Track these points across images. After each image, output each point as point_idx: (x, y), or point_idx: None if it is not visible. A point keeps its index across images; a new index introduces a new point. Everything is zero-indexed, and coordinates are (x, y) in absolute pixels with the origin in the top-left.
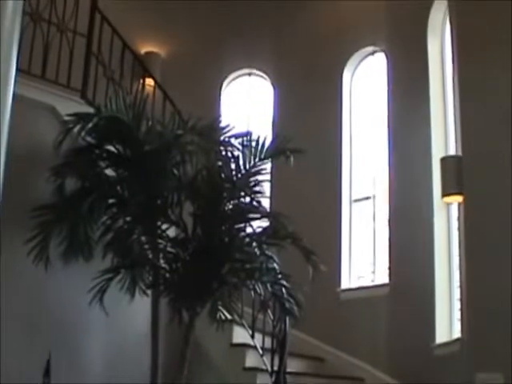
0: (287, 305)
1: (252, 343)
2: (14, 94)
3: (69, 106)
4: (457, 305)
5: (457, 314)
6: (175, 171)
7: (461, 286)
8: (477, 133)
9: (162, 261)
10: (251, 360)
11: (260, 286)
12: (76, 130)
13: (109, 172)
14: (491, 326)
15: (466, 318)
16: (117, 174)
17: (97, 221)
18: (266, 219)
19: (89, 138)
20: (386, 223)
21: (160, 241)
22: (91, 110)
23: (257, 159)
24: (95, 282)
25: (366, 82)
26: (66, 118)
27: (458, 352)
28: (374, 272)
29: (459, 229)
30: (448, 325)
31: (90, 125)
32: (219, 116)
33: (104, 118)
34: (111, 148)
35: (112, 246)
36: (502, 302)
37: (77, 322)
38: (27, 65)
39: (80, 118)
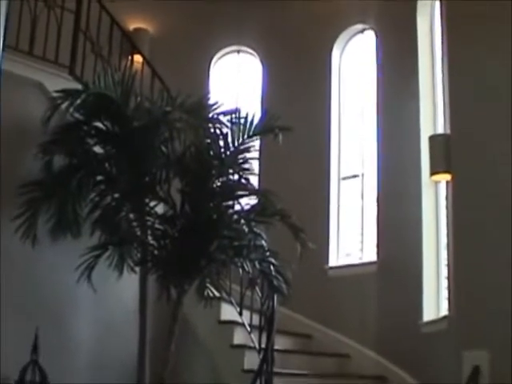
0: (275, 282)
1: (240, 320)
2: (1, 71)
3: (57, 82)
4: (444, 283)
5: (444, 293)
6: (163, 148)
7: (448, 265)
8: (465, 111)
9: (150, 238)
10: (239, 337)
11: (248, 263)
12: (64, 106)
13: (97, 149)
14: (478, 304)
15: (453, 296)
16: (105, 151)
17: (85, 198)
18: (254, 196)
19: (77, 115)
20: (374, 201)
21: (148, 218)
22: (79, 87)
23: (245, 136)
24: (83, 258)
25: (355, 59)
26: (54, 95)
27: (444, 330)
28: (361, 250)
29: (447, 207)
30: (435, 303)
31: (78, 101)
32: (208, 93)
33: (92, 94)
34: (99, 125)
35: (100, 223)
36: (489, 281)
37: (65, 298)
38: (15, 41)
39: (68, 94)
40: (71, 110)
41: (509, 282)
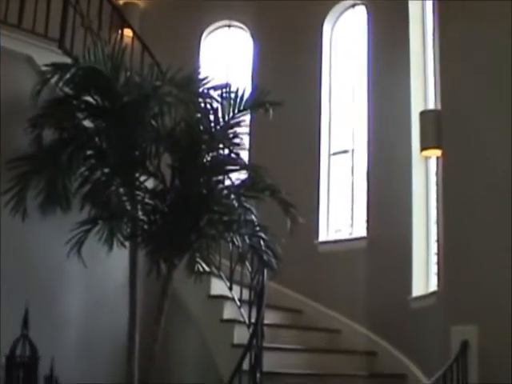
0: (265, 257)
1: (230, 295)
2: None
3: (46, 56)
4: (434, 259)
5: (433, 268)
6: (154, 123)
7: (438, 240)
8: (456, 87)
9: (140, 212)
10: (229, 312)
11: (238, 238)
12: (54, 80)
13: (87, 123)
14: (467, 279)
15: (442, 272)
16: (95, 125)
17: (75, 172)
18: (244, 171)
19: (67, 89)
20: (365, 177)
21: (138, 192)
22: (69, 61)
23: (236, 111)
24: (73, 233)
25: (346, 34)
26: (44, 69)
27: (434, 305)
28: (351, 225)
29: (437, 183)
30: (425, 278)
31: (68, 75)
32: (198, 68)
33: (82, 68)
34: (89, 99)
35: (90, 198)
36: (478, 257)
37: (55, 273)
38: (3, 14)
39: (58, 68)
40: (61, 84)
41: (498, 258)
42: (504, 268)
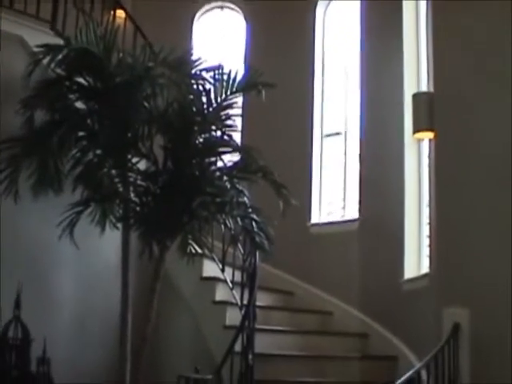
0: (257, 239)
1: (222, 277)
2: None
3: (38, 37)
4: (426, 241)
5: (425, 251)
6: (146, 104)
7: (430, 223)
8: (449, 69)
9: (132, 194)
10: (221, 293)
11: (230, 220)
12: (45, 61)
13: (79, 104)
14: (459, 262)
15: (434, 254)
16: (87, 107)
17: (67, 154)
18: (237, 153)
19: (58, 70)
20: (357, 159)
21: (130, 174)
22: (61, 42)
23: (228, 93)
24: (65, 215)
25: (338, 17)
26: (35, 50)
27: (425, 287)
28: (344, 207)
29: (429, 165)
30: (417, 260)
31: (60, 56)
32: (191, 49)
33: (74, 49)
34: (81, 80)
35: (82, 180)
36: (470, 239)
37: (47, 255)
38: None
39: (49, 49)
40: (53, 65)
41: (489, 240)
42: (496, 251)
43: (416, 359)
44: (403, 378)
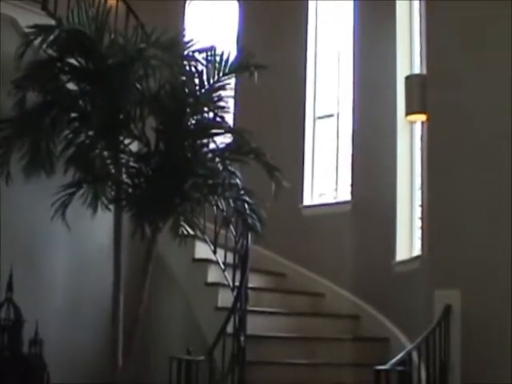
0: (249, 220)
1: (214, 258)
2: None
3: (29, 17)
4: (417, 223)
5: (417, 233)
6: (138, 85)
7: (422, 205)
8: (442, 52)
9: (124, 176)
10: (213, 275)
11: (222, 201)
12: (37, 42)
13: (71, 86)
14: (450, 244)
15: (426, 237)
16: (79, 88)
17: (58, 135)
18: (229, 135)
19: (50, 51)
20: (349, 141)
21: (122, 155)
22: (52, 23)
23: (221, 74)
24: (57, 196)
25: None
26: (27, 30)
27: (417, 269)
28: (336, 189)
29: (422, 148)
30: (408, 243)
31: (52, 37)
32: (183, 30)
33: (66, 30)
34: (73, 61)
35: (74, 161)
36: (462, 221)
37: (39, 236)
38: None
39: (41, 30)
40: (44, 46)
41: (481, 223)
42: (487, 233)
43: (407, 341)
44: (395, 360)
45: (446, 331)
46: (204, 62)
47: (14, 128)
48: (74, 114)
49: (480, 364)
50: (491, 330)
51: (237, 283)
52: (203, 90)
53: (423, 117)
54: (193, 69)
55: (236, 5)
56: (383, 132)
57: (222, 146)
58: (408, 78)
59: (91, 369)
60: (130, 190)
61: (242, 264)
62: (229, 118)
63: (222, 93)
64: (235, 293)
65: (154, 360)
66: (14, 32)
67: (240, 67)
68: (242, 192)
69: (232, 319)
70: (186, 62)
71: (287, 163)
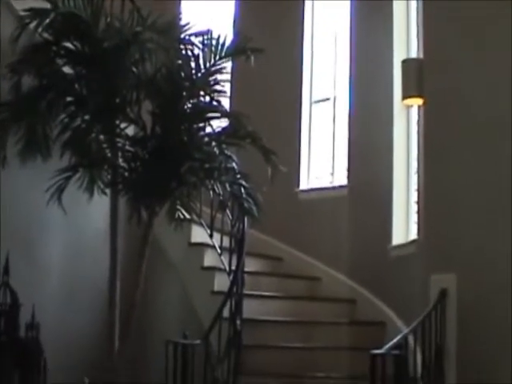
0: (246, 204)
1: (210, 242)
2: None
3: (25, 1)
4: (414, 207)
5: (414, 217)
6: (134, 69)
7: (418, 189)
8: (439, 36)
9: (120, 160)
10: (209, 259)
11: (219, 185)
12: (32, 25)
13: (67, 69)
14: (446, 228)
15: (422, 221)
16: (75, 72)
17: (54, 119)
18: (225, 119)
19: (46, 35)
20: (346, 125)
21: (118, 139)
22: (48, 6)
23: (217, 58)
24: (53, 180)
25: None
26: (22, 14)
27: (413, 253)
28: (332, 173)
29: (418, 132)
30: (405, 227)
31: (47, 21)
32: (179, 14)
33: (61, 13)
34: (69, 45)
35: (70, 145)
36: (458, 206)
37: (35, 220)
38: None
39: (36, 13)
40: (40, 29)
41: (477, 207)
42: (483, 217)
43: (403, 325)
44: (391, 344)
45: (441, 315)
46: (200, 46)
47: (10, 112)
48: (69, 98)
49: (475, 347)
50: (487, 314)
51: (233, 267)
52: (199, 74)
53: (420, 101)
54: (189, 52)
55: None
56: (380, 116)
57: (218, 129)
58: (405, 62)
59: (88, 353)
60: (127, 174)
61: (238, 248)
62: (225, 102)
63: (219, 76)
64: (231, 277)
65: (151, 344)
66: (9, 15)
67: (236, 51)
68: (239, 176)
69: (228, 303)
70: (182, 46)
71: (283, 147)
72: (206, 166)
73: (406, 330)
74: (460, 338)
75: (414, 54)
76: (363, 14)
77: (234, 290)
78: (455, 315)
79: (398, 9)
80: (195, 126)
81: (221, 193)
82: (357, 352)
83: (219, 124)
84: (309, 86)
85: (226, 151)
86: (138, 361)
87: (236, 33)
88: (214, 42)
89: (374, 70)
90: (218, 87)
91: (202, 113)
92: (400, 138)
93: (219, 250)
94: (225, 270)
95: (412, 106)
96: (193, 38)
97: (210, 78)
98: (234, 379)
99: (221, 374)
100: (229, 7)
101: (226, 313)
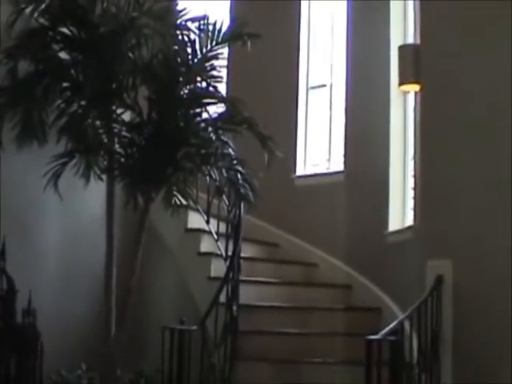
0: (242, 190)
1: (207, 228)
2: None
3: None
4: (410, 193)
5: (410, 203)
6: (130, 55)
7: (415, 175)
8: (435, 22)
9: (117, 145)
10: (206, 245)
11: (215, 171)
12: (28, 10)
13: (63, 55)
14: (442, 214)
15: (418, 207)
16: (71, 57)
17: (51, 105)
18: (222, 104)
19: (42, 20)
20: (342, 111)
21: (115, 125)
22: None
23: (213, 43)
24: (50, 166)
25: None
26: None
27: (409, 239)
28: (329, 159)
29: (415, 118)
30: (401, 213)
31: (43, 6)
32: None
33: None
34: (65, 30)
35: (66, 131)
36: (454, 192)
37: (31, 206)
38: None
39: None
40: (36, 14)
41: (474, 193)
42: (479, 203)
43: (399, 311)
44: (387, 329)
45: (437, 301)
46: (197, 31)
47: (6, 97)
48: (66, 84)
49: (471, 333)
50: (482, 300)
51: (229, 253)
52: (196, 60)
53: (416, 87)
54: (185, 38)
55: None
56: (376, 102)
57: (214, 115)
58: (401, 48)
59: (84, 338)
60: (123, 160)
61: (234, 234)
62: (222, 88)
63: (215, 62)
64: (228, 263)
65: (147, 330)
66: (4, 0)
67: (233, 36)
68: (235, 162)
69: (225, 289)
70: (178, 31)
71: (280, 133)
72: (203, 151)
73: (401, 316)
74: (456, 324)
75: (410, 40)
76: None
77: (231, 275)
78: (451, 301)
79: None
80: (191, 111)
81: (217, 179)
82: (353, 338)
83: (216, 110)
84: (305, 72)
85: (222, 137)
86: (134, 346)
87: (232, 18)
88: (210, 28)
89: (370, 55)
90: (214, 73)
91: (199, 98)
92: (396, 123)
93: (216, 236)
94: (221, 255)
95: (409, 91)
96: (189, 24)
97: (207, 64)
98: (230, 365)
99: (217, 359)
100: None
101: (222, 298)
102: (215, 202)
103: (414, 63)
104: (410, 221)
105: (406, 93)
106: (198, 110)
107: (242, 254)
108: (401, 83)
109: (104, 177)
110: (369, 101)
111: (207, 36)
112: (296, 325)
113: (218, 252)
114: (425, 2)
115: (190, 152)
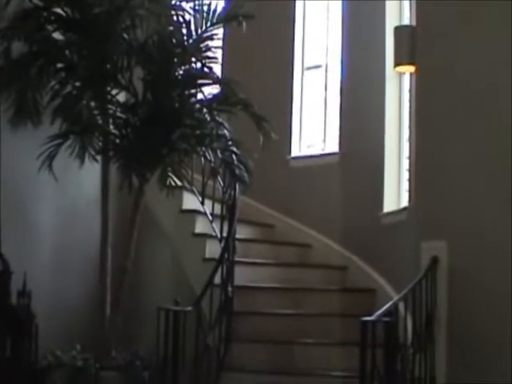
0: (237, 171)
1: (202, 209)
2: None
3: None
4: (405, 175)
5: (405, 184)
6: (125, 35)
7: (410, 157)
8: (431, 3)
9: (111, 126)
10: (201, 226)
11: (210, 152)
12: None
13: (57, 36)
14: (437, 195)
15: (413, 188)
16: (65, 38)
17: (45, 86)
18: (217, 85)
19: (36, 0)
20: (338, 92)
21: (110, 106)
22: None
23: (208, 24)
24: (44, 147)
25: None
26: None
27: (404, 220)
28: (324, 141)
29: (410, 99)
30: (396, 194)
31: None
32: None
33: None
34: (59, 11)
35: (61, 112)
36: (449, 173)
37: (26, 187)
38: None
39: None
40: None
41: (468, 174)
42: (474, 184)
43: (394, 292)
44: (381, 311)
45: (432, 283)
46: (192, 12)
47: (0, 78)
48: (60, 65)
49: (465, 314)
50: (477, 282)
51: (224, 234)
52: (191, 40)
53: (412, 68)
54: (180, 19)
55: None
56: (371, 83)
57: (209, 96)
58: (397, 29)
59: (79, 320)
60: (118, 141)
61: (229, 215)
62: (217, 69)
63: (210, 43)
64: (223, 244)
65: (142, 310)
66: None
67: (228, 17)
68: (230, 143)
69: (219, 270)
70: (173, 12)
71: (275, 114)
72: (198, 132)
73: (396, 297)
74: (450, 305)
75: (406, 21)
76: None
77: (226, 256)
78: (446, 282)
79: None
80: (186, 92)
81: (212, 159)
82: (347, 319)
83: (211, 91)
84: (301, 52)
85: (217, 118)
86: (129, 327)
87: None
88: (205, 8)
89: (366, 36)
90: (209, 54)
91: (194, 79)
92: (392, 105)
93: (210, 217)
94: (216, 236)
95: (404, 73)
96: (184, 4)
97: (202, 45)
98: (225, 345)
99: (212, 340)
100: None
101: (217, 279)
102: (210, 182)
103: (409, 44)
104: (405, 202)
105: (401, 74)
106: (193, 91)
107: (237, 235)
108: (396, 64)
109: (99, 158)
110: (364, 82)
111: (202, 17)
112: (291, 306)
113: (213, 233)
114: None
115: (185, 133)
